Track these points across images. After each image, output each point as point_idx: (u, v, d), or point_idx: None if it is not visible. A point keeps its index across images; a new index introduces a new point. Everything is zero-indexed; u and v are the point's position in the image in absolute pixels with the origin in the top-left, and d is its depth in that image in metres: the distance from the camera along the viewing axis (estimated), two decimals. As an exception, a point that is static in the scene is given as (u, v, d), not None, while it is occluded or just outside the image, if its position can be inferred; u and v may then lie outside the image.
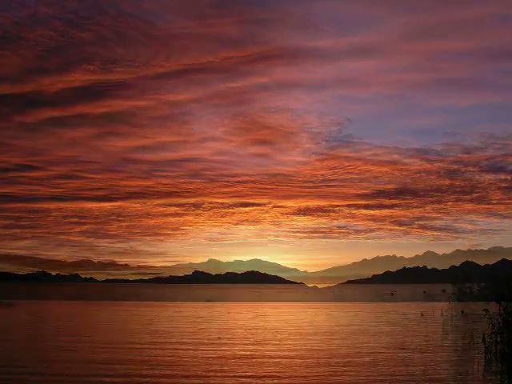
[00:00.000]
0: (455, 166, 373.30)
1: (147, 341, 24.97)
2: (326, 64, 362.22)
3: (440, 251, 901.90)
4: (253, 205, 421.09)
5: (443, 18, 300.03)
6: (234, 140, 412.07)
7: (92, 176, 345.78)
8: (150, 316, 43.80)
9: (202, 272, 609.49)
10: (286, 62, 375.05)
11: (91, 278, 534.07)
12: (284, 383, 14.97)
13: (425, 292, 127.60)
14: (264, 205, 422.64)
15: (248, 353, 20.63)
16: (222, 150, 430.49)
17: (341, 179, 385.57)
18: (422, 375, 15.94)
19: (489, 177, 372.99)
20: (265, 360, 18.82)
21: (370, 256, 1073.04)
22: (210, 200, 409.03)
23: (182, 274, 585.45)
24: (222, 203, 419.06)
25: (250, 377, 15.69)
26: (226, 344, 23.59)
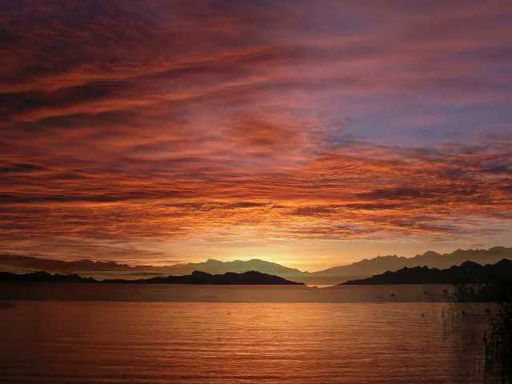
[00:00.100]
0: (456, 166, 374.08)
1: (147, 341, 24.89)
2: (326, 63, 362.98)
3: (441, 251, 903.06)
4: (253, 205, 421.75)
5: (443, 17, 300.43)
6: (234, 140, 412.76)
7: (91, 176, 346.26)
8: (149, 316, 43.71)
9: (202, 272, 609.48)
10: (286, 62, 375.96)
11: (90, 278, 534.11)
12: (284, 384, 14.90)
13: (426, 292, 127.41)
14: (264, 205, 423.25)
15: (248, 353, 20.54)
16: (222, 150, 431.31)
17: (341, 179, 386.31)
18: (423, 376, 15.85)
19: (490, 177, 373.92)
20: (265, 361, 18.73)
21: (370, 256, 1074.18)
22: (209, 200, 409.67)
23: (182, 275, 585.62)
24: (221, 203, 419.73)
25: (249, 378, 15.60)
26: (225, 345, 23.51)
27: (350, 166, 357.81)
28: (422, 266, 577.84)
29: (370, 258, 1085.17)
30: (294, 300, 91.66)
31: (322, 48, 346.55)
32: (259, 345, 23.50)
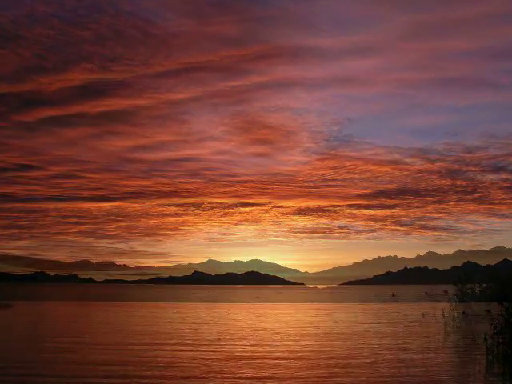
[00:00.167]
0: (456, 166, 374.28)
1: (146, 342, 24.83)
2: (326, 63, 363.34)
3: (441, 251, 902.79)
4: (253, 205, 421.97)
5: (444, 17, 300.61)
6: (234, 139, 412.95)
7: (91, 176, 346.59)
8: (149, 317, 43.65)
9: (202, 272, 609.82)
10: (286, 61, 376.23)
11: (90, 278, 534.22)
12: (284, 385, 14.84)
13: (426, 293, 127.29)
14: (264, 205, 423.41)
15: (248, 354, 20.48)
16: (222, 150, 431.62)
17: (341, 179, 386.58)
18: (423, 377, 15.80)
19: (490, 176, 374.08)
20: (265, 361, 18.67)
21: (370, 256, 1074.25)
22: (209, 200, 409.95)
23: (182, 275, 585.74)
24: (221, 203, 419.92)
25: (249, 378, 15.54)
26: (225, 345, 23.45)
27: (350, 165, 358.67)
28: (422, 266, 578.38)
29: (370, 258, 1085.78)
30: (294, 300, 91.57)
31: (323, 47, 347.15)
32: (259, 345, 23.44)
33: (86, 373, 16.37)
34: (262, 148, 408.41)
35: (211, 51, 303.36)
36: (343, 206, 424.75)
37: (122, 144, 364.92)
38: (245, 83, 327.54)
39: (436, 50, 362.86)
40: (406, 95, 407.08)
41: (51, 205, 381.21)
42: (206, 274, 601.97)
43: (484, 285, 55.01)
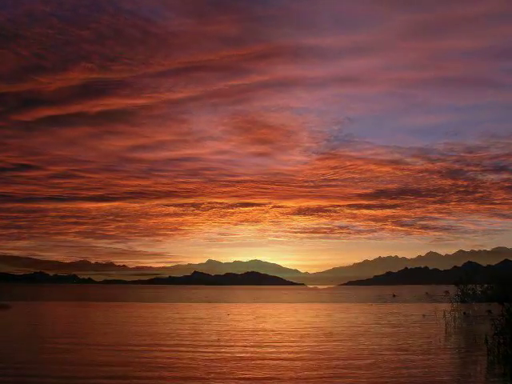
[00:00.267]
0: (457, 166, 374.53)
1: (146, 342, 24.76)
2: (326, 62, 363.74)
3: (442, 252, 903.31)
4: (253, 205, 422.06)
5: (444, 16, 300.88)
6: (234, 139, 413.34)
7: (90, 176, 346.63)
8: (148, 317, 43.57)
9: (202, 273, 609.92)
10: (286, 60, 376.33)
11: (89, 278, 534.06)
12: (284, 386, 14.76)
13: (427, 293, 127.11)
14: (264, 205, 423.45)
15: (248, 355, 20.40)
16: (222, 150, 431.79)
17: (342, 179, 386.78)
18: (424, 377, 15.73)
19: (491, 176, 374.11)
20: (265, 362, 18.60)
21: (371, 257, 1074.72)
22: (209, 200, 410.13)
23: (181, 275, 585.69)
24: (221, 203, 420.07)
25: (249, 379, 15.47)
26: (225, 346, 23.37)
27: (350, 165, 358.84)
28: (423, 266, 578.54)
29: (370, 259, 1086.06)
30: (294, 300, 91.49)
31: (323, 47, 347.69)
32: (259, 346, 23.36)
33: (86, 373, 16.31)
34: (262, 148, 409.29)
35: (211, 50, 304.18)
36: (343, 205, 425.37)
37: (121, 144, 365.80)
38: (245, 83, 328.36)
39: (436, 50, 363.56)
40: (407, 95, 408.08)
41: (50, 205, 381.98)
42: (205, 274, 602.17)
43: (485, 285, 54.87)
